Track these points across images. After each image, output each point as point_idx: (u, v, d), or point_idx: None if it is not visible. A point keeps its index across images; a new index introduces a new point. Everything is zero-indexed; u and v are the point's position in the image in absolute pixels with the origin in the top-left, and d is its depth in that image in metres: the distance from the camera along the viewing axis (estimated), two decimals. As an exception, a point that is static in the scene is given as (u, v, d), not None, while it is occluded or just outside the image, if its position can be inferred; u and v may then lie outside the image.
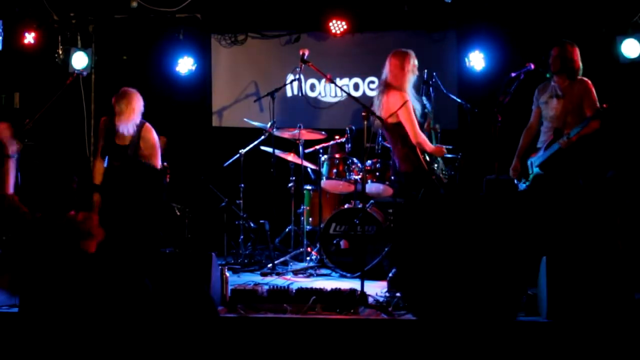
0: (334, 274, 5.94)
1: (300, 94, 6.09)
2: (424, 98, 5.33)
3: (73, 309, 4.16)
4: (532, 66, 4.97)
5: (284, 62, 7.37)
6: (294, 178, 6.54)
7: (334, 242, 5.96)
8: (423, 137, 4.94)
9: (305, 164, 6.48)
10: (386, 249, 5.70)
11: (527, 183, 5.29)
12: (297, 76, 5.85)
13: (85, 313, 4.13)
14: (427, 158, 4.96)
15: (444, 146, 5.19)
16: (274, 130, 6.21)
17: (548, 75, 5.17)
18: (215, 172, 7.03)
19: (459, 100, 6.08)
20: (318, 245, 6.15)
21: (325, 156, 6.32)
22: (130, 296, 4.17)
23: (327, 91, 7.60)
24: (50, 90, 6.50)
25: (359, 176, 6.01)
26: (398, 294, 4.67)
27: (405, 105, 4.86)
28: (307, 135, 6.38)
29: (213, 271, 4.36)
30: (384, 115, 4.93)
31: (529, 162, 5.29)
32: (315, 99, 7.57)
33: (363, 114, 4.82)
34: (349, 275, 5.79)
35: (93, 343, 4.03)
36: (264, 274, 5.80)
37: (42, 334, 4.08)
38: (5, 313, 4.29)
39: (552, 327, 4.10)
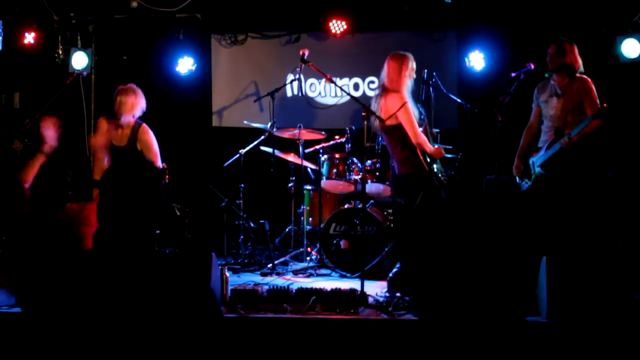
0: (334, 274, 5.94)
1: (300, 94, 6.09)
2: (418, 105, 5.31)
3: (72, 307, 4.16)
4: (532, 66, 4.97)
5: (284, 62, 7.37)
6: (294, 178, 6.54)
7: (334, 242, 5.96)
8: (423, 138, 4.93)
9: (305, 164, 6.48)
10: (386, 249, 5.70)
11: (530, 183, 5.28)
12: (297, 76, 5.85)
13: (84, 312, 4.14)
14: (428, 159, 4.95)
15: (443, 147, 5.19)
16: (274, 130, 6.21)
17: (547, 75, 5.16)
18: (215, 172, 7.03)
19: (459, 100, 6.08)
20: (318, 245, 6.15)
21: (325, 156, 6.32)
22: (130, 295, 4.17)
23: (327, 91, 7.60)
24: (50, 90, 6.50)
25: (359, 176, 6.01)
26: (398, 294, 4.68)
27: (405, 106, 4.85)
28: (307, 135, 6.38)
29: (213, 271, 4.35)
30: (384, 118, 4.92)
31: (530, 162, 5.28)
32: (315, 99, 7.57)
33: (363, 114, 4.82)
34: (349, 275, 5.79)
35: (93, 342, 4.04)
36: (264, 274, 5.80)
37: (42, 333, 4.08)
38: (5, 313, 4.29)
39: (552, 327, 4.10)
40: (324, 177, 6.27)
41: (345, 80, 7.57)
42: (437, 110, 5.95)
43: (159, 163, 5.46)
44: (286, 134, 6.43)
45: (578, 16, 6.83)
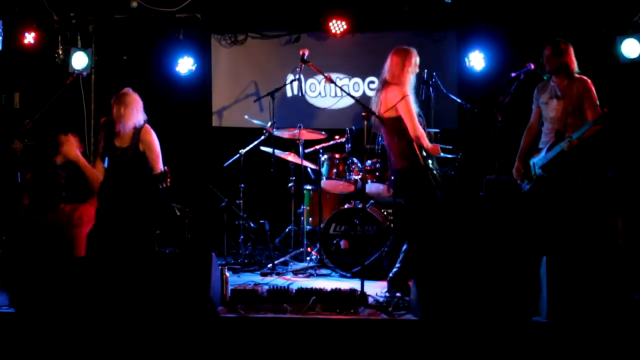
0: (334, 274, 5.94)
1: (300, 94, 6.09)
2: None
3: (65, 308, 4.17)
4: (532, 66, 4.96)
5: (284, 62, 7.37)
6: (294, 178, 6.54)
7: (334, 242, 5.96)
8: (422, 131, 4.88)
9: (305, 164, 6.48)
10: (386, 249, 5.69)
11: (530, 184, 5.28)
12: (297, 76, 5.85)
13: (78, 312, 4.15)
14: (424, 154, 4.91)
15: (443, 146, 5.19)
16: (274, 130, 6.21)
17: (545, 77, 5.16)
18: (215, 172, 7.03)
19: (459, 100, 6.08)
20: (318, 245, 6.15)
21: (325, 156, 6.32)
22: (126, 295, 4.18)
23: (327, 91, 7.60)
24: (50, 90, 6.49)
25: (359, 176, 6.01)
26: (398, 294, 4.68)
27: (405, 99, 4.82)
28: (307, 135, 6.38)
29: (213, 271, 4.35)
30: (383, 110, 4.89)
31: (531, 163, 5.27)
32: (316, 104, 7.57)
33: (363, 114, 4.81)
34: (349, 275, 5.79)
35: (88, 341, 4.05)
36: (264, 274, 5.80)
37: (35, 333, 4.09)
38: (5, 313, 4.29)
39: (552, 327, 4.10)
40: (324, 177, 6.27)
41: (345, 81, 7.57)
42: (437, 110, 5.96)
43: (161, 164, 5.45)
44: (286, 134, 6.43)
45: (578, 16, 6.83)
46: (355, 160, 6.16)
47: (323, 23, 7.33)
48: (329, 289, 4.51)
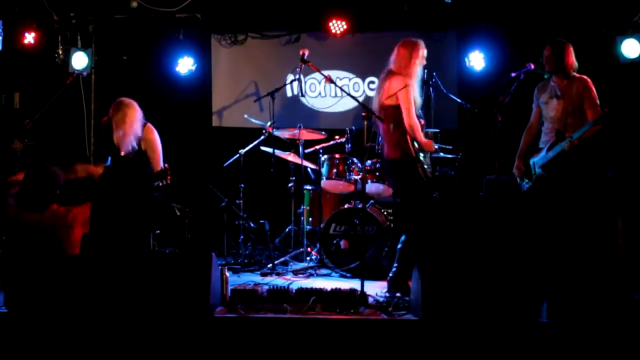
0: (334, 274, 5.94)
1: (300, 94, 6.09)
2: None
3: (61, 307, 4.17)
4: (532, 66, 4.96)
5: (284, 62, 7.37)
6: (294, 178, 6.54)
7: (334, 242, 5.96)
8: (416, 122, 4.84)
9: (305, 164, 6.48)
10: (386, 249, 5.70)
11: (530, 183, 5.28)
12: (297, 76, 5.85)
13: (72, 312, 4.15)
14: (416, 145, 4.91)
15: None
16: (274, 130, 6.21)
17: (546, 77, 5.16)
18: (215, 172, 7.03)
19: (459, 100, 6.08)
20: (318, 245, 6.15)
21: (325, 156, 6.32)
22: (121, 296, 4.18)
23: (327, 91, 7.60)
24: (50, 90, 6.50)
25: (359, 176, 6.01)
26: (398, 294, 4.68)
27: (407, 88, 4.80)
28: (307, 135, 6.38)
29: (213, 271, 4.35)
30: (384, 98, 4.88)
31: (531, 162, 5.27)
32: (316, 107, 7.57)
33: (363, 114, 4.81)
34: (349, 275, 5.79)
35: (82, 341, 4.05)
36: (264, 274, 5.80)
37: (31, 332, 4.09)
38: (4, 313, 4.30)
39: (552, 327, 4.10)
40: (324, 177, 6.27)
41: (345, 81, 7.57)
42: (437, 110, 5.96)
43: (162, 163, 5.46)
44: (286, 134, 6.43)
45: (578, 16, 6.83)
46: (355, 160, 6.16)
47: (323, 23, 7.33)
48: (329, 289, 4.51)
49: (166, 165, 5.19)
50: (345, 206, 6.09)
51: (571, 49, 5.12)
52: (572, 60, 5.11)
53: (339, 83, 7.43)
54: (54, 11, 7.16)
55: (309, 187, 6.62)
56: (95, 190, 5.21)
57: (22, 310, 4.23)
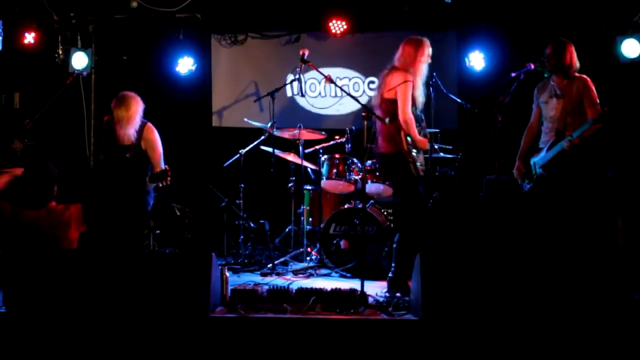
0: (334, 274, 5.93)
1: (300, 94, 6.09)
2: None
3: (58, 306, 4.17)
4: (532, 66, 4.97)
5: (284, 62, 7.37)
6: (294, 178, 6.54)
7: (334, 242, 5.96)
8: (411, 118, 4.83)
9: (305, 164, 6.48)
10: (385, 249, 5.70)
11: (531, 184, 5.27)
12: (297, 76, 5.85)
13: (70, 310, 4.15)
14: (409, 140, 4.88)
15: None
16: (274, 130, 6.21)
17: (546, 75, 5.16)
18: (215, 172, 7.03)
19: (459, 100, 6.08)
20: (318, 245, 6.15)
21: (325, 156, 6.32)
22: (118, 295, 4.19)
23: (327, 91, 7.60)
24: (50, 90, 6.50)
25: (359, 176, 6.01)
26: (398, 294, 4.68)
27: (407, 83, 4.80)
28: (307, 135, 6.38)
29: (213, 271, 4.35)
30: (384, 91, 4.88)
31: (531, 162, 5.27)
32: (315, 109, 7.58)
33: (363, 114, 4.81)
34: (349, 275, 5.79)
35: (80, 339, 4.05)
36: (264, 274, 5.80)
37: (28, 331, 4.09)
38: (3, 312, 4.30)
39: (552, 327, 4.09)
40: (324, 177, 6.27)
41: (345, 81, 7.57)
42: (437, 110, 5.95)
43: (162, 163, 5.46)
44: (286, 134, 6.43)
45: (578, 16, 6.83)
46: (355, 160, 6.16)
47: (323, 23, 7.33)
48: (329, 289, 4.51)
49: (167, 166, 5.20)
50: (345, 206, 6.09)
51: (573, 49, 5.11)
52: (574, 60, 5.11)
53: (338, 83, 7.44)
54: (54, 11, 7.16)
55: (309, 187, 6.62)
56: (91, 188, 5.22)
57: (21, 310, 4.23)
